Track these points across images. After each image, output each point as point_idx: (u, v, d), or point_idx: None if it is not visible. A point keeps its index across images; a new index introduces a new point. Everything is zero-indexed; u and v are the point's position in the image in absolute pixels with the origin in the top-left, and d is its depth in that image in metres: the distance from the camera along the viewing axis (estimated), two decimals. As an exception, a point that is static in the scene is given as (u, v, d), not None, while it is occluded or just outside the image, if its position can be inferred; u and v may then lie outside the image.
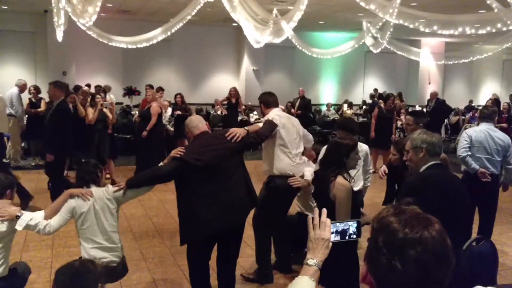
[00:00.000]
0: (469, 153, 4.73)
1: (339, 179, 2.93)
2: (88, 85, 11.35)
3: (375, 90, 16.04)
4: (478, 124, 5.12)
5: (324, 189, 2.94)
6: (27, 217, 3.10)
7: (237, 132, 3.59)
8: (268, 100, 4.42)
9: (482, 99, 17.67)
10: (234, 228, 3.61)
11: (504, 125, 10.74)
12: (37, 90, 9.49)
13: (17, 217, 3.07)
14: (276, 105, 4.44)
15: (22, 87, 9.58)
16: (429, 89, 16.90)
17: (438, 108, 12.06)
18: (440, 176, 2.94)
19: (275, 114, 4.23)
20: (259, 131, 3.91)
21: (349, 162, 3.04)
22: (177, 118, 10.31)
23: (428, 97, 14.76)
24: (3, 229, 3.10)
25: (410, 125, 4.75)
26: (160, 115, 8.43)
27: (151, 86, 9.51)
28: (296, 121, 4.47)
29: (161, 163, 3.54)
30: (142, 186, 3.46)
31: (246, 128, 3.79)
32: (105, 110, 8.03)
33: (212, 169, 3.41)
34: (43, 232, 3.16)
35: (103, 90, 9.99)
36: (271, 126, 4.08)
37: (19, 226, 3.08)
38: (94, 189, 3.35)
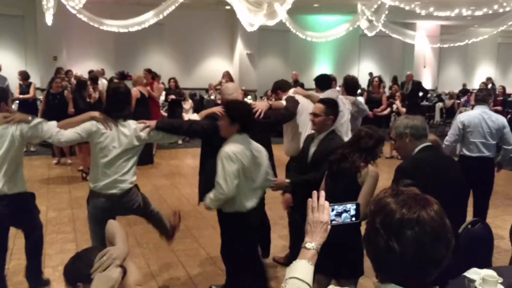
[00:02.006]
0: (454, 143, 4.78)
1: (371, 167, 2.94)
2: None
3: (370, 73, 15.98)
4: (472, 108, 5.09)
5: (352, 171, 2.92)
6: (40, 119, 3.13)
7: (259, 107, 3.60)
8: (284, 84, 4.47)
9: (477, 82, 17.67)
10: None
11: (499, 108, 10.75)
12: (22, 75, 9.27)
13: (32, 117, 3.09)
14: (291, 87, 4.48)
15: None
16: (424, 72, 16.87)
17: (415, 90, 12.09)
18: (432, 158, 2.90)
19: (293, 94, 4.24)
20: (288, 107, 3.89)
21: (377, 152, 3.04)
22: (171, 102, 10.22)
23: (423, 81, 14.76)
24: (17, 133, 3.10)
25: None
26: (143, 100, 8.26)
27: (148, 71, 9.38)
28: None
29: (195, 115, 3.56)
30: (171, 133, 3.43)
31: (269, 103, 3.79)
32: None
33: None
34: (55, 138, 3.10)
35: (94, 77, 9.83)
36: (295, 103, 4.03)
37: (33, 125, 3.09)
38: (128, 121, 3.28)
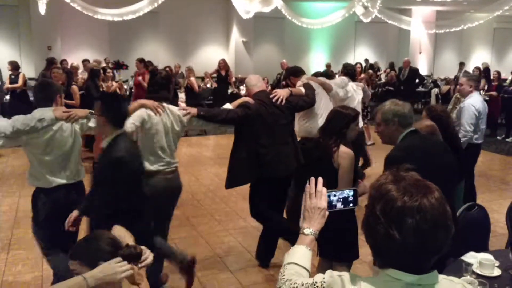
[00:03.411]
0: (472, 133, 4.69)
1: (342, 148, 2.94)
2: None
3: (366, 60, 15.94)
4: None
5: (327, 157, 2.94)
6: None
7: (280, 94, 3.81)
8: (298, 70, 4.65)
9: (472, 68, 17.67)
10: (280, 180, 3.84)
11: (494, 93, 10.74)
12: (12, 65, 9.18)
13: (91, 114, 3.12)
14: (304, 73, 4.68)
15: None
16: (420, 58, 16.83)
17: (411, 77, 12.09)
18: (421, 144, 2.88)
19: (307, 80, 4.41)
20: (308, 94, 4.08)
21: (349, 132, 3.02)
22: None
23: (419, 66, 14.73)
24: (77, 127, 3.13)
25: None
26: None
27: (141, 61, 9.32)
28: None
29: (228, 105, 3.75)
30: (209, 120, 3.61)
31: (290, 89, 3.98)
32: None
33: (262, 123, 3.69)
34: None
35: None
36: (313, 90, 4.24)
37: (93, 123, 3.13)
38: (167, 105, 3.41)
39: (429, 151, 2.83)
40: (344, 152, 2.93)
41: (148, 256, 1.84)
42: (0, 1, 12.43)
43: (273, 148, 3.74)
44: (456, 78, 13.63)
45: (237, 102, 3.81)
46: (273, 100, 3.79)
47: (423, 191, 1.20)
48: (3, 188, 6.26)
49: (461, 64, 14.68)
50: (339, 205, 1.62)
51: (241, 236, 4.78)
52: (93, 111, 3.13)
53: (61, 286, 1.61)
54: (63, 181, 3.11)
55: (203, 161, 7.96)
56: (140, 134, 3.35)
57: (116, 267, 1.67)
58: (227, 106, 3.78)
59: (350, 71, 5.65)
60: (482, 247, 2.87)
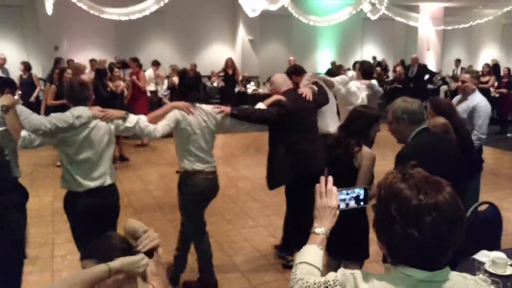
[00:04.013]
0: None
1: (365, 148, 2.94)
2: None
3: (374, 58, 15.86)
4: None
5: (348, 156, 2.91)
6: (135, 117, 3.21)
7: (307, 92, 3.92)
8: (299, 69, 4.69)
9: (481, 64, 17.53)
10: (310, 177, 3.85)
11: (504, 90, 10.62)
12: (24, 66, 9.23)
13: (126, 114, 3.17)
14: (305, 71, 4.74)
15: None
16: (428, 55, 16.73)
17: (420, 74, 12.02)
18: (432, 141, 2.88)
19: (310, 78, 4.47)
20: (323, 92, 4.19)
21: (371, 133, 3.02)
22: (173, 90, 10.19)
23: (428, 63, 14.62)
24: (112, 127, 3.14)
25: None
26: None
27: (134, 60, 9.31)
28: None
29: (261, 104, 3.77)
30: (243, 119, 3.61)
31: (312, 86, 4.06)
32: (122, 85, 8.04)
33: (297, 120, 3.75)
34: (152, 134, 3.21)
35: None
36: (323, 88, 4.37)
37: (130, 123, 3.17)
38: (199, 105, 3.44)
39: (439, 149, 2.81)
40: (366, 152, 2.93)
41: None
42: (7, 2, 12.49)
43: (309, 145, 3.83)
44: (454, 75, 13.59)
45: (269, 101, 3.81)
46: (302, 97, 3.89)
47: (436, 188, 1.21)
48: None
49: (458, 61, 14.59)
50: (350, 204, 1.62)
51: (251, 235, 4.77)
52: (126, 113, 3.20)
53: (86, 272, 1.63)
54: (95, 184, 3.09)
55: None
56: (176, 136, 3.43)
57: (137, 258, 1.68)
58: (260, 105, 3.79)
59: (367, 69, 5.79)
60: (494, 245, 2.83)
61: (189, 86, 3.48)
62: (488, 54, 18.50)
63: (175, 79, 10.08)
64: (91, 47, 13.32)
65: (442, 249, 1.20)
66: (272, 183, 3.92)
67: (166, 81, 10.47)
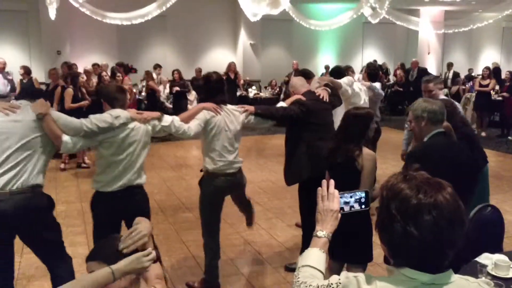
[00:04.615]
0: None
1: (366, 150, 2.95)
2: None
3: (374, 61, 15.86)
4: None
5: (350, 162, 2.93)
6: (169, 117, 3.32)
7: (324, 93, 4.05)
8: (306, 72, 4.82)
9: (482, 68, 17.54)
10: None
11: (506, 94, 10.60)
12: (25, 70, 9.25)
13: (162, 115, 3.27)
14: (314, 75, 4.90)
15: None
16: (428, 59, 16.73)
17: (420, 77, 12.00)
18: (443, 144, 2.90)
19: (318, 81, 4.61)
20: (336, 94, 4.35)
21: (369, 132, 3.04)
22: (175, 94, 10.22)
23: (428, 67, 14.62)
24: (149, 127, 3.24)
25: None
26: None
27: (120, 65, 9.30)
28: None
29: (283, 103, 3.88)
30: (266, 118, 3.74)
31: (327, 88, 4.18)
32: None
33: (315, 120, 3.83)
34: (187, 133, 3.34)
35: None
36: (336, 90, 4.54)
37: (166, 122, 3.27)
38: (225, 106, 3.56)
39: (448, 152, 2.84)
40: (367, 154, 2.95)
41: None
42: (10, 7, 12.55)
43: (326, 144, 3.87)
44: (446, 79, 13.63)
45: (290, 100, 3.94)
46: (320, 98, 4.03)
47: (436, 188, 1.22)
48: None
49: (449, 65, 14.61)
50: (352, 207, 1.62)
51: (253, 239, 4.78)
52: (161, 114, 3.30)
53: (89, 277, 1.61)
54: (127, 184, 3.15)
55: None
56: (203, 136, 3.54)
57: (141, 256, 1.67)
58: (281, 104, 3.93)
59: (372, 71, 5.93)
60: (496, 248, 2.84)
61: (215, 88, 3.59)
62: (489, 57, 18.51)
63: (152, 84, 10.18)
64: (93, 52, 13.36)
65: (442, 248, 1.20)
66: (290, 179, 4.04)
67: (168, 85, 10.50)
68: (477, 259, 2.53)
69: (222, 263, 4.18)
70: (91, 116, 3.04)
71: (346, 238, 2.61)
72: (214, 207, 3.65)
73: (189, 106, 10.60)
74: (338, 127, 3.24)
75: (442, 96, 4.63)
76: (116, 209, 3.10)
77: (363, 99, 5.50)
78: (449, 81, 13.66)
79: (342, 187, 1.61)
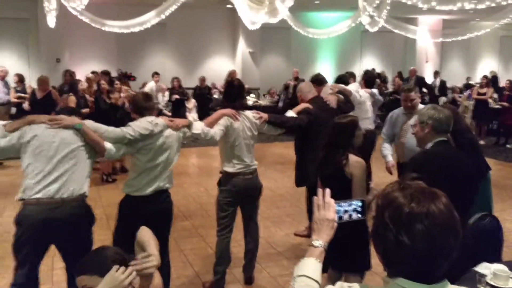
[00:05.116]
0: None
1: (352, 157, 2.94)
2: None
3: (372, 69, 15.92)
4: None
5: (339, 171, 2.94)
6: (198, 123, 3.46)
7: (332, 99, 4.24)
8: (320, 79, 5.04)
9: (480, 76, 17.61)
10: None
11: (505, 104, 10.60)
12: (19, 77, 9.26)
13: (191, 122, 3.39)
14: (326, 81, 5.13)
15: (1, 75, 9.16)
16: (426, 67, 16.80)
17: (418, 86, 12.03)
18: (444, 153, 2.87)
19: (331, 88, 4.87)
20: (348, 100, 4.60)
21: (356, 140, 3.03)
22: (175, 102, 10.23)
23: (426, 75, 14.66)
24: (180, 134, 3.35)
25: None
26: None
27: (105, 73, 9.27)
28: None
29: (291, 112, 4.05)
30: (278, 126, 3.90)
31: (337, 95, 4.32)
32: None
33: (322, 128, 3.78)
34: (215, 137, 3.46)
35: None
36: (348, 97, 4.79)
37: (196, 130, 3.37)
38: (243, 112, 3.69)
39: (449, 162, 2.81)
40: (355, 161, 2.94)
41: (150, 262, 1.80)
42: (11, 15, 12.59)
43: None
44: (434, 86, 13.67)
45: (298, 108, 4.14)
46: (327, 104, 4.23)
47: (430, 197, 1.21)
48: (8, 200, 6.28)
49: (436, 73, 14.72)
50: (348, 216, 1.61)
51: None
52: (190, 121, 3.43)
53: None
54: (158, 189, 3.22)
55: (212, 172, 7.95)
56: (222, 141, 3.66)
57: (118, 275, 1.65)
58: (290, 113, 4.09)
59: (370, 78, 6.29)
60: (495, 257, 2.82)
61: (236, 94, 3.72)
62: (487, 66, 18.59)
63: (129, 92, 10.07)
64: (92, 60, 13.40)
65: (435, 258, 1.19)
66: (300, 181, 4.36)
67: (167, 93, 10.51)
68: (475, 268, 2.51)
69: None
70: (132, 124, 3.13)
71: (344, 247, 2.59)
72: (230, 205, 3.69)
73: (187, 114, 10.61)
74: (326, 137, 3.25)
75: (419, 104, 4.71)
76: (145, 212, 3.13)
77: (368, 105, 5.74)
78: (436, 90, 13.65)
79: (334, 196, 1.60)
